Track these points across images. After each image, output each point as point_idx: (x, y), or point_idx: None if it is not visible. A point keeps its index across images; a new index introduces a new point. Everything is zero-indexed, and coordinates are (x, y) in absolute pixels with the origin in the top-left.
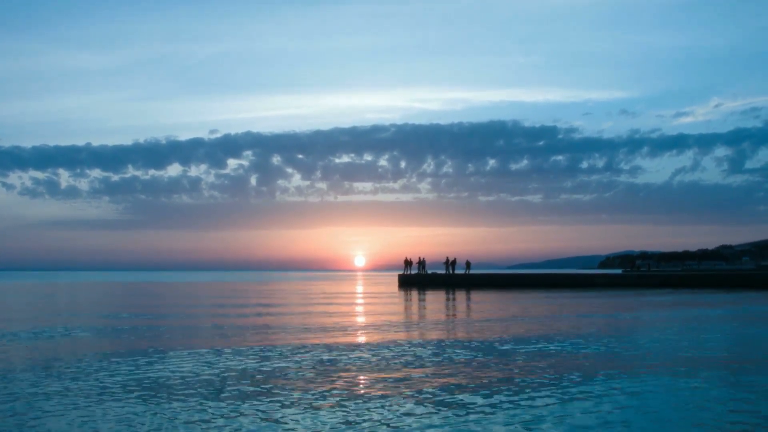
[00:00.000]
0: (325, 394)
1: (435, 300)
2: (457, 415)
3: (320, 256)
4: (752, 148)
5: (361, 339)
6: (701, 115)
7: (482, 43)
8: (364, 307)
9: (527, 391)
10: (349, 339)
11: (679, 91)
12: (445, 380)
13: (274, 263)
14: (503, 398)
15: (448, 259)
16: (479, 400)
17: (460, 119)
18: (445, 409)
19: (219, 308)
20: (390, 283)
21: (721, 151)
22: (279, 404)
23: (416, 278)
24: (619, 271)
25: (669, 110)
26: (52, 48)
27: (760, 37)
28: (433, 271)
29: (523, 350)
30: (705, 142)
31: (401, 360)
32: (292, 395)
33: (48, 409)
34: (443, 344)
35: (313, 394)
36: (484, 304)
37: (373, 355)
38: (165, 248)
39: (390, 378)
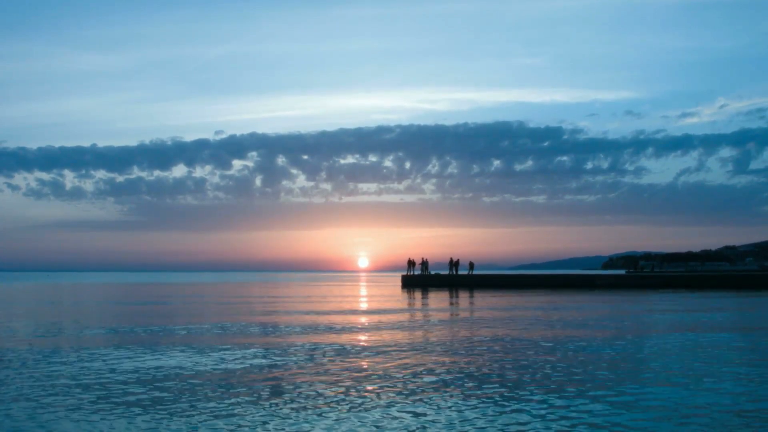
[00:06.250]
0: (324, 396)
1: (437, 302)
2: (458, 419)
3: (324, 257)
4: (757, 148)
5: (362, 340)
6: (706, 116)
7: (489, 44)
8: (367, 309)
9: (530, 397)
10: (349, 340)
11: (685, 92)
12: (445, 383)
13: (279, 264)
14: (500, 403)
15: (451, 260)
16: (480, 403)
17: (465, 120)
18: (448, 412)
19: (224, 309)
20: (393, 284)
21: (726, 152)
22: (278, 406)
23: (419, 279)
24: (622, 271)
25: (674, 111)
26: (58, 49)
27: (766, 39)
28: (437, 271)
29: (525, 353)
30: (710, 142)
31: (401, 363)
32: (291, 397)
33: (47, 408)
34: (443, 348)
35: (312, 396)
36: (486, 305)
37: (373, 359)
38: (169, 249)
39: (391, 380)
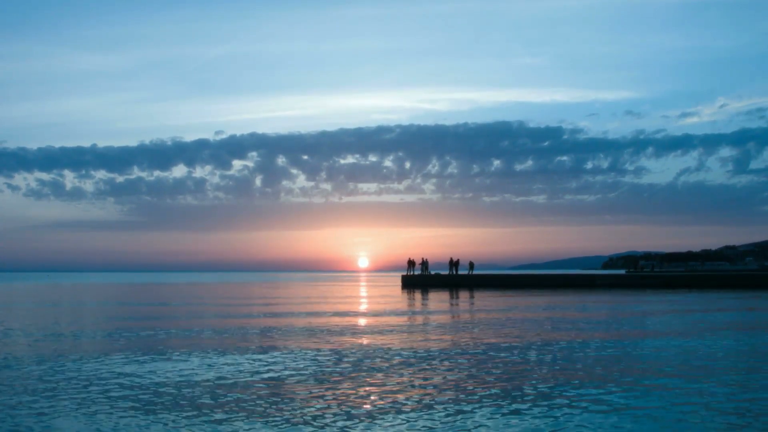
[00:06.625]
0: (324, 397)
1: (437, 302)
2: (460, 419)
3: (324, 257)
4: (757, 148)
5: (362, 341)
6: (706, 116)
7: (489, 44)
8: (366, 310)
9: (530, 398)
10: (349, 342)
11: (685, 91)
12: (446, 383)
13: (279, 264)
14: (501, 402)
15: (451, 260)
16: (481, 407)
17: (466, 120)
18: (449, 412)
19: (224, 310)
20: (393, 284)
21: (726, 152)
22: (277, 407)
23: (419, 279)
24: (622, 271)
25: (674, 111)
26: (58, 50)
27: (766, 39)
28: (437, 271)
29: (525, 353)
30: (710, 142)
31: (401, 363)
32: (290, 399)
33: (48, 409)
34: (443, 348)
35: (311, 398)
36: (486, 306)
37: (372, 360)
38: (169, 249)
39: (392, 381)
